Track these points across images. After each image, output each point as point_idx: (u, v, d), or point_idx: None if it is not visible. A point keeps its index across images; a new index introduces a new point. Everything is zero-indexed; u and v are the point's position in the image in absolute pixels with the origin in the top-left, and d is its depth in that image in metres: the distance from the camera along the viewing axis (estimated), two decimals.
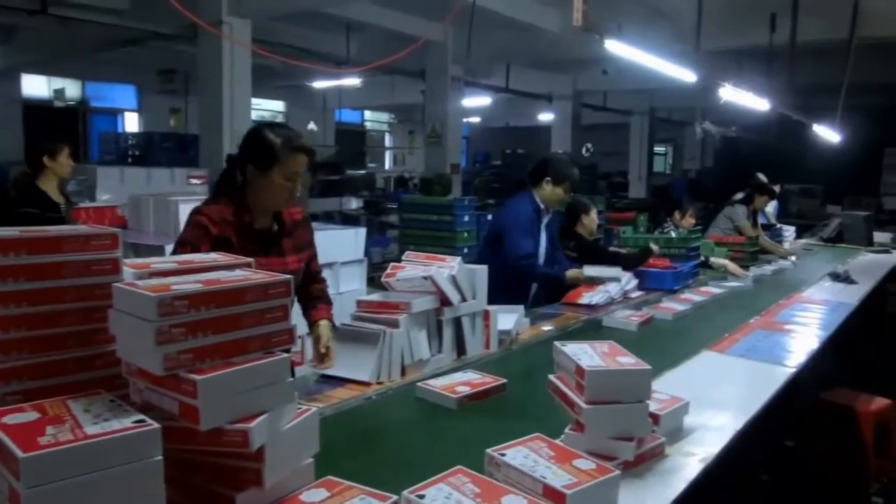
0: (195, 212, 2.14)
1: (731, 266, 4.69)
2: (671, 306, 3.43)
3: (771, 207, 7.07)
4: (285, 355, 1.17)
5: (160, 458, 0.95)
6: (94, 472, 0.89)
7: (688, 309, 3.45)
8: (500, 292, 2.75)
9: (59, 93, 12.57)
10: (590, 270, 3.55)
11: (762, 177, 6.20)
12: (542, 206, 3.62)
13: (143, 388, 1.11)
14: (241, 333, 1.14)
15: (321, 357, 2.25)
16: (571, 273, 3.57)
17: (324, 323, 2.36)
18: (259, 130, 2.14)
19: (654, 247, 4.11)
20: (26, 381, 1.10)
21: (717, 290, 3.96)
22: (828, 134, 8.55)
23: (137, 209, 4.39)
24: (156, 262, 1.30)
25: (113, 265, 1.18)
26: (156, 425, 0.95)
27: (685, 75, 5.56)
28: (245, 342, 1.15)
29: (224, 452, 1.09)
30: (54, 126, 11.56)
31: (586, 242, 4.18)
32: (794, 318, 3.39)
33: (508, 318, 2.74)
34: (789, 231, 6.75)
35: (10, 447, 0.86)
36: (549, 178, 3.55)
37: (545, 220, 3.69)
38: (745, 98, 6.36)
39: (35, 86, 12.43)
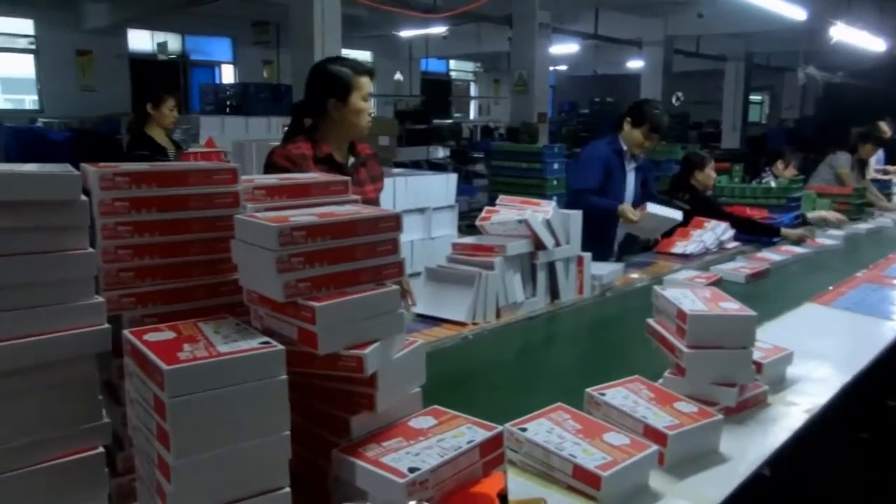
0: (272, 154, 2.22)
1: (831, 215, 4.44)
2: (743, 266, 3.09)
3: (875, 159, 6.52)
4: (395, 287, 1.21)
5: (285, 377, 1.00)
6: (227, 387, 0.95)
7: (765, 268, 3.10)
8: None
9: (162, 46, 13.08)
10: (652, 208, 3.37)
11: (884, 125, 5.77)
12: (624, 149, 3.54)
13: (263, 315, 1.17)
14: (354, 265, 1.18)
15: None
16: (623, 207, 3.39)
17: None
18: (325, 67, 2.29)
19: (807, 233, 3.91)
20: (160, 306, 1.18)
21: (800, 251, 3.59)
22: None
23: (241, 153, 4.69)
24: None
25: (233, 198, 1.24)
26: (280, 347, 1.01)
27: (794, 13, 5.23)
28: (358, 273, 1.19)
29: (339, 377, 1.15)
30: (159, 79, 12.10)
31: (700, 196, 4.03)
32: None
33: (602, 266, 2.74)
34: None
35: (154, 361, 0.94)
36: (629, 119, 3.50)
37: (632, 163, 3.59)
38: (859, 38, 5.94)
39: (140, 40, 12.96)
